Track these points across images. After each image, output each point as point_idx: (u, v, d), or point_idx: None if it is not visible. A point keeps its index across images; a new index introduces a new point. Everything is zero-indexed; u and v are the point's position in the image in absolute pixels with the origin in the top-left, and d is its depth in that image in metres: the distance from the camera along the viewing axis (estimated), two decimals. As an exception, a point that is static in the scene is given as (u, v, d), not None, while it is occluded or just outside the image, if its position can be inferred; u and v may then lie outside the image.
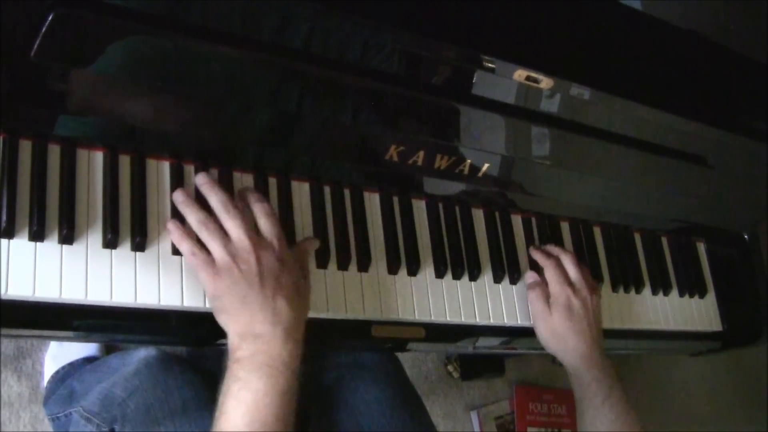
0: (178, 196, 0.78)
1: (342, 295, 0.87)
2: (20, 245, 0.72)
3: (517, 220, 1.05)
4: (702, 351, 1.26)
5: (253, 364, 0.72)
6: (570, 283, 0.98)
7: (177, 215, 0.79)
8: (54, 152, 0.76)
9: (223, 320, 0.75)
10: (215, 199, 0.77)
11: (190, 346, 1.25)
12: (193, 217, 0.76)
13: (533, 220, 1.06)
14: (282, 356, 0.73)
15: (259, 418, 0.71)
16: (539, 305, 0.98)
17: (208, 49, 0.72)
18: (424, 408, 1.10)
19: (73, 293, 0.72)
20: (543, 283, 0.99)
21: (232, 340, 0.74)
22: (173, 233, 0.77)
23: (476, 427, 1.88)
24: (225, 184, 0.84)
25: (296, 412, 0.75)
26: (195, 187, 0.80)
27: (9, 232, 0.71)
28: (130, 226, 0.77)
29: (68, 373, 1.33)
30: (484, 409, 1.90)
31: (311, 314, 0.81)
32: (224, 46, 0.72)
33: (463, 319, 0.95)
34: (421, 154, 0.88)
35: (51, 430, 1.23)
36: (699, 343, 1.23)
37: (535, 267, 1.02)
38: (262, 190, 0.86)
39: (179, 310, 0.78)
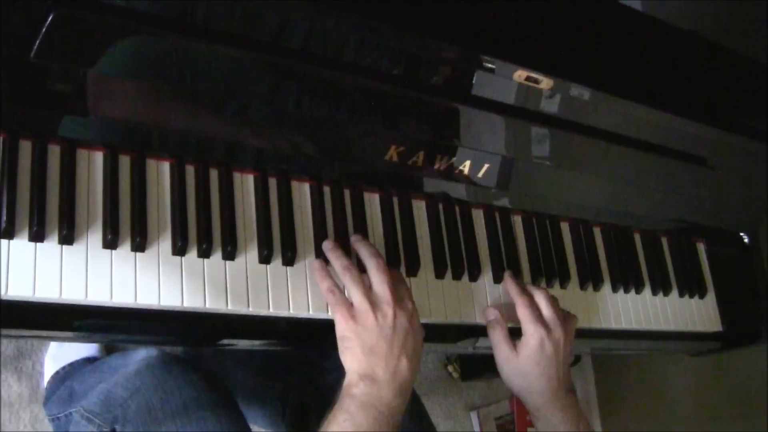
0: (328, 244, 0.86)
1: (342, 295, 0.87)
2: (20, 246, 0.72)
3: (517, 220, 1.05)
4: (702, 351, 1.26)
5: (363, 403, 0.78)
6: (544, 323, 0.93)
7: (182, 209, 0.80)
8: (54, 152, 0.76)
9: (347, 358, 0.81)
10: (365, 252, 0.85)
11: (191, 347, 1.25)
12: (339, 262, 0.84)
13: (533, 220, 1.06)
14: (391, 406, 0.79)
15: None
16: (504, 348, 0.94)
17: (208, 49, 0.72)
18: (423, 408, 1.10)
19: (73, 294, 0.72)
20: (503, 322, 0.95)
21: (351, 377, 0.80)
22: (318, 271, 0.84)
23: (476, 428, 1.88)
24: (225, 184, 0.84)
25: None
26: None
27: (9, 233, 0.71)
28: (130, 227, 0.77)
29: (68, 373, 1.33)
30: (484, 409, 1.90)
31: (311, 314, 0.81)
32: (224, 46, 0.72)
33: (463, 319, 0.95)
34: (421, 154, 0.88)
35: (51, 430, 1.23)
36: (699, 343, 1.23)
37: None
38: (262, 190, 0.86)
39: (179, 310, 0.78)
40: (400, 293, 0.83)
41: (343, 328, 0.81)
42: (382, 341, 0.80)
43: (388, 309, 0.81)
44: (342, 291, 0.83)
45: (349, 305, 0.81)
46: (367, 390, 0.78)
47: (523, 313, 0.94)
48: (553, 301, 0.96)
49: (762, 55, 0.93)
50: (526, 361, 0.93)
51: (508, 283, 0.98)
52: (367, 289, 0.82)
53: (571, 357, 0.97)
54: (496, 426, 1.90)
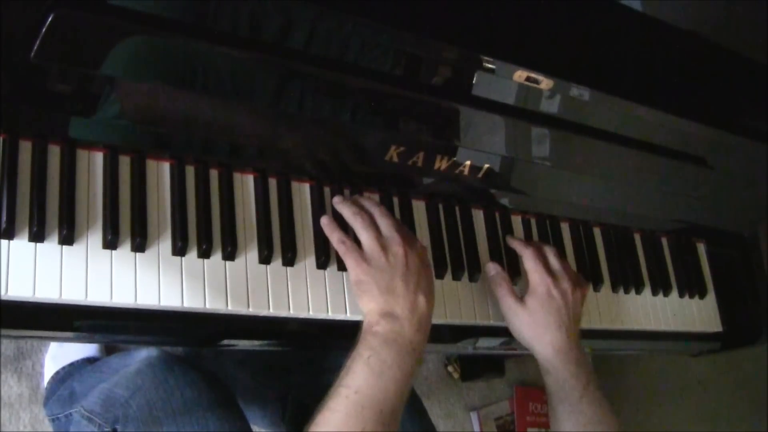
0: (338, 198, 0.89)
1: (342, 296, 0.87)
2: (20, 246, 0.72)
3: (517, 221, 1.05)
4: (702, 351, 1.26)
5: (386, 339, 0.79)
6: (551, 273, 0.94)
7: (182, 208, 0.81)
8: (54, 152, 0.76)
9: (365, 301, 0.82)
10: (368, 202, 0.88)
11: (191, 347, 1.25)
12: (348, 210, 0.86)
13: (533, 220, 1.06)
14: (413, 341, 0.80)
15: (381, 385, 0.77)
16: (510, 300, 0.93)
17: (208, 49, 0.72)
18: (423, 408, 1.10)
19: (73, 294, 0.72)
20: (507, 276, 0.96)
21: (371, 317, 0.81)
22: (327, 225, 0.86)
23: (476, 428, 1.88)
24: (225, 184, 0.84)
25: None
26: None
27: (9, 233, 0.71)
28: (130, 227, 0.77)
29: (69, 373, 1.33)
30: (484, 409, 1.90)
31: (311, 315, 0.81)
32: (225, 47, 0.72)
33: (463, 319, 0.95)
34: (421, 154, 0.88)
35: (51, 430, 1.23)
36: (699, 343, 1.23)
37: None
38: (263, 190, 0.86)
39: (180, 310, 0.78)
40: (408, 234, 0.85)
41: (357, 273, 0.82)
42: (397, 280, 0.81)
43: (398, 249, 0.82)
44: (352, 240, 0.84)
45: (361, 251, 0.83)
46: (389, 327, 0.80)
47: (529, 264, 0.95)
48: (561, 256, 0.97)
49: (762, 55, 0.93)
50: (534, 310, 0.93)
51: (512, 241, 1.00)
52: (378, 233, 0.84)
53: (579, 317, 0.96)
54: (496, 426, 1.90)
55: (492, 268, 0.96)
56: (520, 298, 0.94)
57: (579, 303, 0.96)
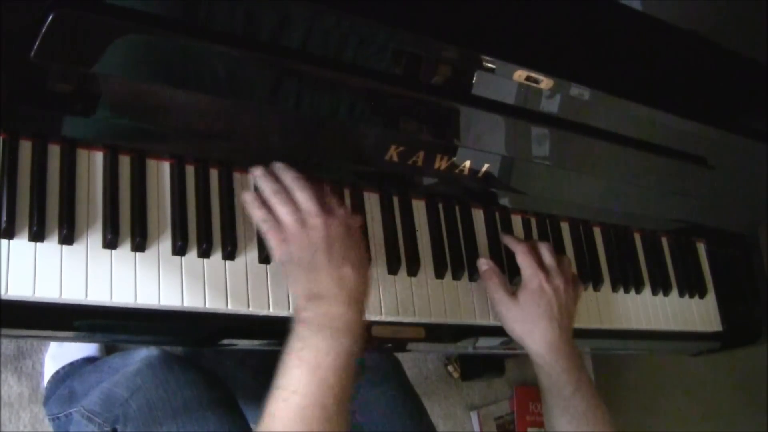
0: (257, 170, 0.82)
1: (342, 295, 0.87)
2: (20, 245, 0.72)
3: (517, 220, 1.05)
4: (702, 351, 1.26)
5: (317, 324, 0.74)
6: (544, 268, 0.94)
7: (181, 209, 0.79)
8: (54, 152, 0.76)
9: (290, 282, 0.78)
10: (287, 174, 0.81)
11: (191, 347, 1.25)
12: (267, 186, 0.80)
13: (533, 220, 1.06)
14: (345, 319, 0.74)
15: (319, 375, 0.71)
16: (502, 295, 0.93)
17: (208, 48, 0.72)
18: (423, 408, 1.10)
19: (73, 293, 0.72)
20: (498, 271, 0.95)
21: (298, 301, 0.76)
22: (250, 201, 0.80)
23: (476, 427, 1.88)
24: (225, 184, 0.84)
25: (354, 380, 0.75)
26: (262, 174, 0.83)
27: (9, 233, 0.71)
28: (130, 227, 0.77)
29: (68, 373, 1.33)
30: (484, 409, 1.90)
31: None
32: (224, 46, 0.72)
33: (463, 319, 0.95)
34: (421, 154, 0.88)
35: (51, 430, 1.23)
36: (699, 343, 1.23)
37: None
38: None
39: (179, 310, 0.78)
40: (327, 203, 0.79)
41: (278, 253, 0.78)
42: (319, 255, 0.76)
43: (317, 221, 0.77)
44: (274, 219, 0.79)
45: (282, 229, 0.78)
46: (317, 310, 0.74)
47: (522, 260, 0.94)
48: (558, 254, 0.96)
49: (762, 55, 0.93)
50: (525, 304, 0.92)
51: (506, 238, 0.99)
52: (296, 209, 0.78)
53: (573, 317, 0.95)
54: (496, 426, 1.90)
55: (483, 263, 0.96)
56: (513, 292, 0.94)
57: (573, 300, 0.96)
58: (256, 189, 0.83)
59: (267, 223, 0.79)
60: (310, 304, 0.75)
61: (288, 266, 0.77)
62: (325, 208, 0.78)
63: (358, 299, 0.77)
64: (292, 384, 0.71)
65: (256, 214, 0.79)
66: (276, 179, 0.81)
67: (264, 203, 0.80)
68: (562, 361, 0.91)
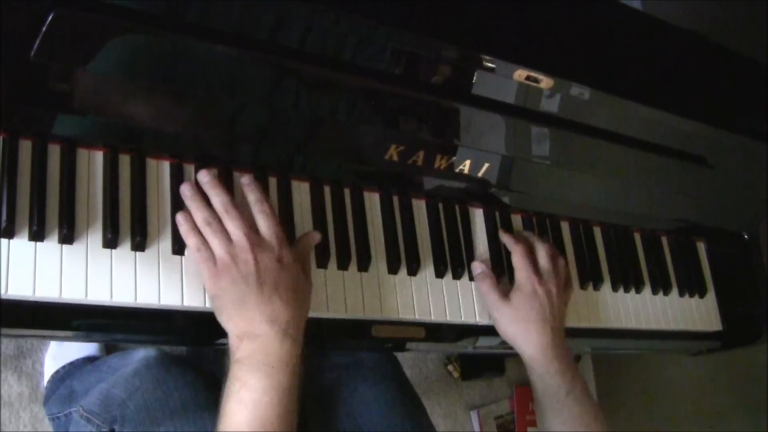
0: (186, 191, 0.79)
1: (342, 294, 0.87)
2: (20, 245, 0.72)
3: (517, 220, 1.05)
4: (702, 351, 1.26)
5: (252, 363, 0.73)
6: (537, 272, 0.94)
7: (181, 209, 0.79)
8: (54, 152, 0.76)
9: (223, 320, 0.76)
10: (217, 199, 0.78)
11: (190, 346, 1.25)
12: (198, 214, 0.77)
13: (533, 219, 1.06)
14: (280, 355, 0.74)
15: (260, 417, 0.72)
16: (495, 297, 0.93)
17: (208, 48, 0.72)
18: (423, 408, 1.10)
19: (73, 293, 0.72)
20: (492, 274, 0.95)
21: (232, 341, 0.75)
22: (182, 226, 0.77)
23: (476, 427, 1.88)
24: (225, 183, 0.84)
25: (298, 411, 0.75)
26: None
27: (9, 232, 0.71)
28: (130, 226, 0.77)
29: (68, 372, 1.33)
30: (484, 409, 1.90)
31: (311, 314, 0.81)
32: (224, 46, 0.72)
33: (463, 319, 0.95)
34: (421, 154, 0.88)
35: (51, 430, 1.23)
36: (699, 343, 1.23)
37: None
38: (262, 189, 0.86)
39: (179, 309, 0.78)
40: (260, 235, 0.77)
41: (209, 287, 0.76)
42: (249, 291, 0.74)
43: (247, 255, 0.75)
44: (208, 249, 0.76)
45: (216, 261, 0.76)
46: (251, 348, 0.73)
47: (517, 262, 0.95)
48: (555, 256, 0.96)
49: (762, 55, 0.93)
50: (518, 306, 0.92)
51: (504, 236, 0.99)
52: (229, 241, 0.76)
53: (563, 320, 0.96)
54: (496, 426, 1.90)
55: (477, 266, 0.96)
56: (506, 294, 0.94)
57: (565, 303, 0.96)
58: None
59: (201, 253, 0.76)
60: (243, 344, 0.74)
61: (218, 302, 0.75)
62: (254, 241, 0.76)
63: (295, 331, 0.76)
64: (232, 427, 0.72)
65: (190, 240, 0.77)
66: (207, 204, 0.78)
67: (196, 229, 0.77)
68: (556, 363, 0.91)
